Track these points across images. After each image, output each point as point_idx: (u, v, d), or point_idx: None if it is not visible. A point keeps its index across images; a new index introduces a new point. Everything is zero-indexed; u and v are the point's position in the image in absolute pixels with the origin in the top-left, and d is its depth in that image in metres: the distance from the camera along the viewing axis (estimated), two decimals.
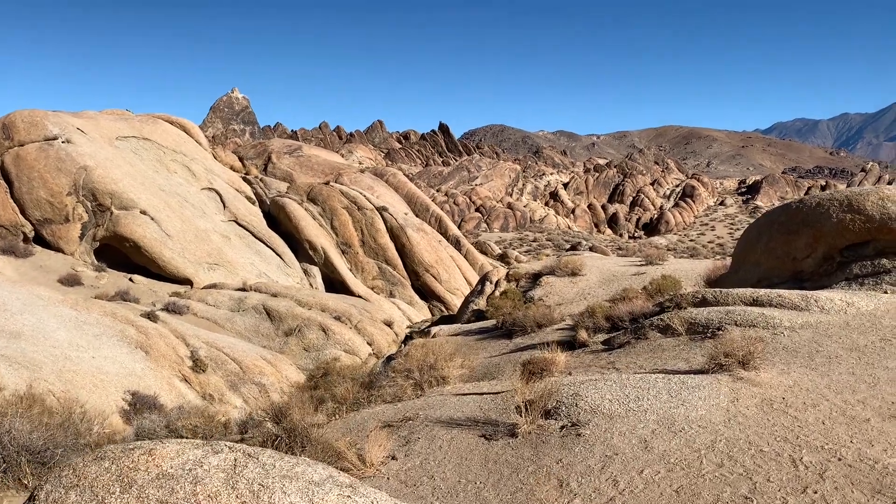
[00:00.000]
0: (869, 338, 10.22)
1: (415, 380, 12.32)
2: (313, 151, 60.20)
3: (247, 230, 42.60)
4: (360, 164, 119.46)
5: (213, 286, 32.99)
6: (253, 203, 46.51)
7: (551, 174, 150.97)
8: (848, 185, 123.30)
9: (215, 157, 53.25)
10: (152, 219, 37.59)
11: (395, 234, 44.41)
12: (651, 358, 11.13)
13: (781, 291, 12.39)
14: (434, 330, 22.23)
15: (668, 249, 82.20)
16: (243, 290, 31.13)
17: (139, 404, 19.04)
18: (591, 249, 66.73)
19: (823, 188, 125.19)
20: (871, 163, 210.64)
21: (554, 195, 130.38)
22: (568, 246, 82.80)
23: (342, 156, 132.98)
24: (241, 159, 56.56)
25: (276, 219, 44.88)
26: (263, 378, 23.05)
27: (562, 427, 7.73)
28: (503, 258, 67.02)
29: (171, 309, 28.51)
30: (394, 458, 7.74)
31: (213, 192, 44.90)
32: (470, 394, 10.92)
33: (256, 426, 9.36)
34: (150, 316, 23.58)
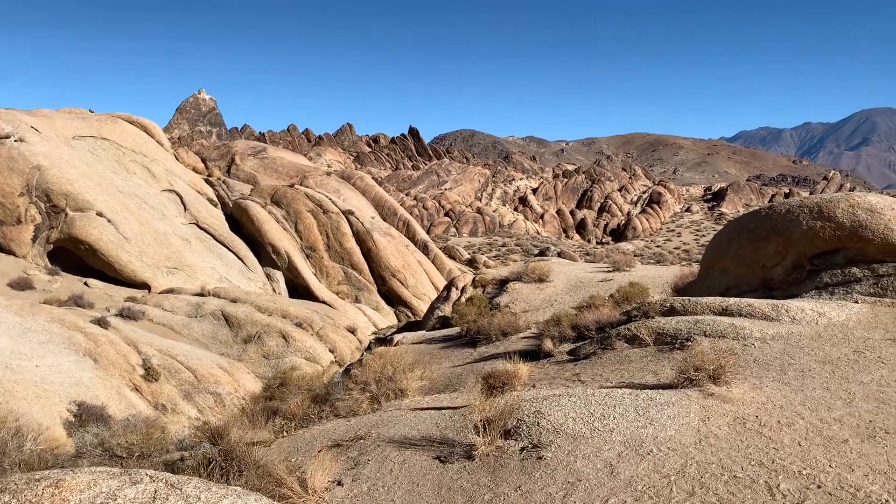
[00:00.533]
0: (842, 350, 9.85)
1: (371, 393, 11.70)
2: (278, 153, 59.06)
3: (208, 233, 41.48)
4: (328, 167, 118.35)
5: (171, 291, 31.94)
6: (215, 205, 45.38)
7: (521, 179, 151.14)
8: (811, 193, 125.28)
9: (177, 159, 51.96)
10: (109, 221, 36.36)
11: (362, 239, 43.62)
12: (618, 370, 10.65)
13: (751, 301, 12.01)
14: (397, 338, 21.60)
15: (636, 255, 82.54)
16: (201, 294, 30.14)
17: (85, 416, 18.11)
18: (559, 255, 66.54)
19: (787, 196, 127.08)
20: (832, 171, 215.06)
21: (523, 200, 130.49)
22: (536, 251, 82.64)
23: (310, 159, 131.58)
24: (203, 161, 55.24)
25: (239, 222, 43.82)
26: (219, 387, 22.18)
27: (522, 449, 7.17)
28: (471, 263, 66.56)
29: (125, 314, 27.49)
30: (339, 483, 7.10)
31: (173, 193, 43.70)
32: (428, 408, 10.34)
33: (193, 447, 8.65)
34: (101, 322, 22.57)
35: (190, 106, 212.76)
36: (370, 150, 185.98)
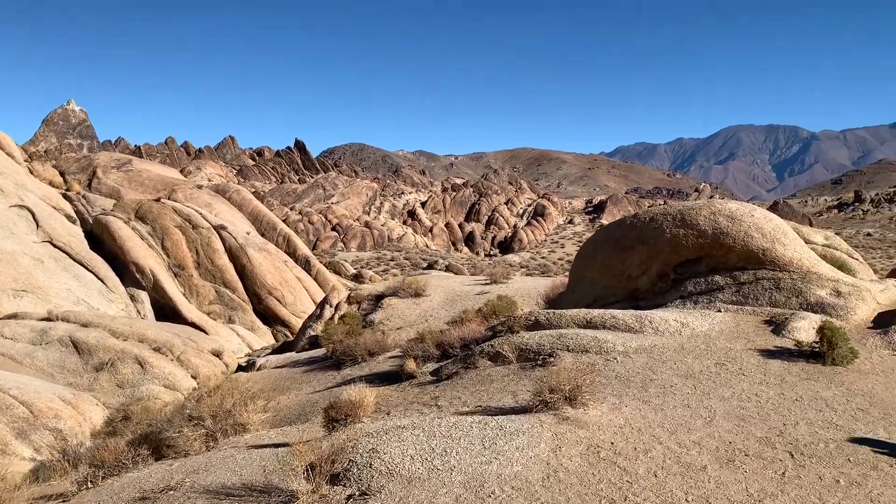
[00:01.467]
0: (704, 362, 9.44)
1: (206, 429, 10.33)
2: (145, 166, 55.54)
3: (64, 252, 38.09)
4: (209, 181, 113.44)
5: (14, 316, 28.81)
6: (73, 222, 41.83)
7: (410, 193, 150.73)
8: None
9: (31, 172, 47.80)
10: None
11: (235, 255, 41.34)
12: (477, 392, 9.83)
13: (615, 312, 11.53)
14: (260, 361, 20.11)
15: (521, 266, 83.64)
16: (49, 319, 27.29)
17: None
18: (447, 268, 66.19)
19: None
20: (703, 184, 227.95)
21: (412, 214, 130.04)
22: (425, 265, 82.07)
23: (189, 172, 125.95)
24: (62, 174, 51.10)
25: (100, 239, 40.54)
26: (60, 422, 19.83)
27: (349, 497, 6.14)
28: (357, 278, 65.05)
29: None
30: None
31: (24, 209, 39.93)
32: (266, 446, 9.13)
33: None
34: None
35: (58, 118, 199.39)
36: (254, 163, 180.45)
